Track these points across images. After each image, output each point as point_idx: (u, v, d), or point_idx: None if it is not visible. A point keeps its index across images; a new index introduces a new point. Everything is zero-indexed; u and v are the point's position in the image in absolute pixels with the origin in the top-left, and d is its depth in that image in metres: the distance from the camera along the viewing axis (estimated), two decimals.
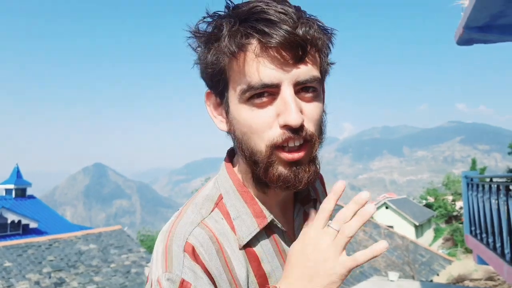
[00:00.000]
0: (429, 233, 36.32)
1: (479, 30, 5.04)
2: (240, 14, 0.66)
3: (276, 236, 0.75)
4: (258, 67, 0.64)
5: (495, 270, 4.14)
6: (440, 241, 33.74)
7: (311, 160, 0.69)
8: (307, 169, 0.68)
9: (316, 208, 0.78)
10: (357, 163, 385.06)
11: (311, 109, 0.68)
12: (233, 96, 0.68)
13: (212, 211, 0.73)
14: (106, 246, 10.14)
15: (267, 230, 0.74)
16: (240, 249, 0.71)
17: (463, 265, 17.98)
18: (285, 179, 0.67)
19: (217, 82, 0.70)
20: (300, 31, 0.64)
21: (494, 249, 3.98)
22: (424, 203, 41.55)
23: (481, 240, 4.55)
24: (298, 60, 0.65)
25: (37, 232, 18.11)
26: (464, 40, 5.39)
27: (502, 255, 3.70)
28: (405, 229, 30.19)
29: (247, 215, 0.73)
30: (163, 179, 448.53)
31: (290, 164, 0.67)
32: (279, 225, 0.75)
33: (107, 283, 8.59)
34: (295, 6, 0.68)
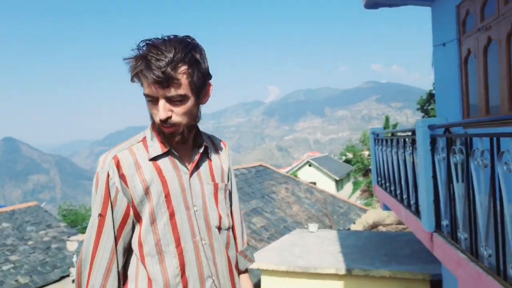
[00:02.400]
0: (348, 186, 39.01)
1: None
2: (141, 56, 1.21)
3: (174, 158, 1.36)
4: (147, 87, 1.24)
5: (396, 215, 4.62)
6: (358, 193, 36.46)
7: (179, 132, 1.29)
8: (176, 137, 1.30)
9: (206, 151, 1.45)
10: (283, 124, 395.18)
11: (178, 109, 1.26)
12: (144, 95, 1.27)
13: (137, 143, 1.36)
14: (21, 224, 9.50)
15: (169, 156, 1.35)
16: (149, 160, 1.32)
17: (377, 213, 19.63)
18: (165, 139, 1.33)
19: (140, 84, 1.27)
20: (165, 73, 1.18)
21: (395, 196, 4.42)
22: (343, 159, 44.28)
23: (386, 189, 5.02)
24: (164, 87, 1.21)
25: None
26: (371, 4, 5.68)
27: (401, 201, 4.12)
28: (327, 184, 32.14)
29: (157, 144, 1.35)
30: (83, 151, 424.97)
31: (167, 133, 1.30)
32: (175, 152, 1.35)
33: (25, 261, 8.15)
34: (177, 47, 1.20)
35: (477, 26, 4.10)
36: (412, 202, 3.62)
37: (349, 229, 11.40)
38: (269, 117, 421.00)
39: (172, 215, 1.32)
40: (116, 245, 1.29)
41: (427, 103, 31.39)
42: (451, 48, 4.73)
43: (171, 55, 1.18)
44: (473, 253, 2.22)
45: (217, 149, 1.53)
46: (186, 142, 1.34)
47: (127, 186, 1.28)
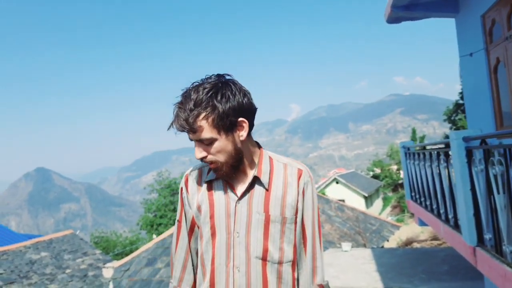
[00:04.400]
0: (378, 203, 38.19)
1: (405, 8, 5.36)
2: (174, 110, 1.36)
3: (226, 184, 1.45)
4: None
5: (434, 230, 4.51)
6: (388, 209, 35.64)
7: (219, 168, 1.40)
8: (218, 172, 1.41)
9: (256, 183, 1.46)
10: (306, 142, 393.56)
11: (211, 150, 1.37)
12: None
13: (207, 165, 1.50)
14: (59, 252, 9.73)
15: (224, 181, 1.46)
16: (204, 182, 1.49)
17: (411, 229, 19.16)
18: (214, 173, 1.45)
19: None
20: (184, 125, 1.32)
21: (431, 210, 4.33)
22: (371, 175, 43.50)
23: (420, 203, 4.93)
24: (192, 132, 1.34)
25: None
26: (393, 19, 5.70)
27: (438, 215, 4.03)
28: (355, 201, 31.56)
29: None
30: (112, 178, 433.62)
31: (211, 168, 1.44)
32: (225, 179, 1.46)
33: None
34: (195, 99, 1.33)
35: (505, 35, 4.06)
36: (450, 216, 3.54)
37: (382, 246, 11.14)
38: (292, 135, 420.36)
39: (213, 236, 1.42)
40: (189, 245, 1.53)
41: (454, 114, 30.75)
42: (479, 58, 4.68)
43: (191, 105, 1.31)
44: None
45: (286, 178, 1.47)
46: (230, 175, 1.42)
47: (189, 200, 1.51)
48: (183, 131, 1.34)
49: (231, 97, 1.35)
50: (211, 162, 1.38)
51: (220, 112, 1.33)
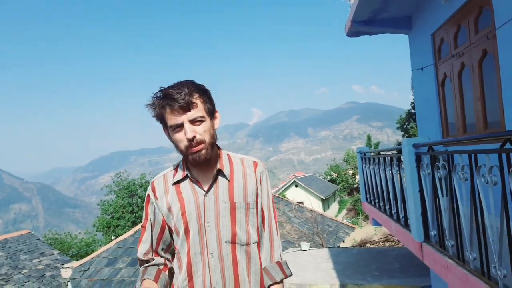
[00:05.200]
0: (334, 205, 39.24)
1: (364, 23, 5.74)
2: (162, 95, 1.53)
3: (192, 182, 1.63)
4: (172, 117, 1.53)
5: (387, 229, 4.87)
6: (344, 211, 36.72)
7: (205, 149, 1.55)
8: (203, 155, 1.55)
9: (223, 173, 1.65)
10: (267, 146, 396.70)
11: (200, 129, 1.54)
12: (169, 128, 1.56)
13: (170, 171, 1.71)
14: (14, 252, 9.40)
15: (188, 180, 1.64)
16: (172, 184, 1.65)
17: (365, 230, 19.91)
18: (194, 158, 1.56)
19: (161, 123, 1.60)
20: (186, 99, 1.49)
21: (384, 211, 4.65)
22: (328, 179, 44.63)
23: (375, 205, 5.27)
24: (186, 111, 1.51)
25: None
26: (353, 32, 6.08)
27: (391, 215, 4.35)
28: (313, 203, 32.29)
29: (181, 171, 1.66)
30: (66, 179, 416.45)
31: (195, 152, 1.55)
32: (193, 177, 1.63)
33: None
34: (188, 85, 1.54)
35: (451, 53, 4.49)
36: (401, 216, 3.88)
37: (339, 246, 11.60)
38: (253, 139, 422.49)
39: (186, 230, 1.58)
40: (152, 248, 1.69)
41: (406, 122, 32.26)
42: (429, 72, 5.12)
43: (186, 88, 1.51)
44: (460, 258, 2.47)
45: (244, 170, 1.69)
46: (209, 160, 1.59)
47: (158, 205, 1.65)
48: (181, 107, 1.49)
49: (208, 90, 1.62)
50: (198, 143, 1.52)
51: (208, 96, 1.59)
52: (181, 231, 1.59)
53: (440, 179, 2.66)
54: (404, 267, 6.33)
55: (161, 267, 1.69)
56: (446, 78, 4.72)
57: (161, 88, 1.55)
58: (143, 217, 1.72)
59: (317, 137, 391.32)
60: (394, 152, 4.05)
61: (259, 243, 1.69)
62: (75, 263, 8.45)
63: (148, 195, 1.70)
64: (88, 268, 8.10)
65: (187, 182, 1.64)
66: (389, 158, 4.19)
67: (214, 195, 1.61)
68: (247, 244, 1.62)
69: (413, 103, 28.45)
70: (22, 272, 8.72)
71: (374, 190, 5.15)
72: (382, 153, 4.99)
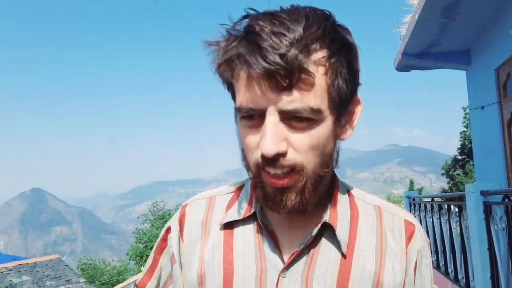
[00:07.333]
0: None
1: (416, 57, 5.36)
2: (243, 34, 0.60)
3: (261, 233, 0.71)
4: (246, 90, 0.60)
5: None
6: None
7: (300, 189, 0.62)
8: (293, 198, 0.63)
9: (324, 238, 0.70)
10: None
11: (301, 139, 0.60)
12: (237, 111, 0.64)
13: (227, 193, 0.79)
14: (41, 278, 9.29)
15: (255, 224, 0.72)
16: (220, 225, 0.73)
17: None
18: (268, 201, 0.65)
19: (228, 90, 0.68)
20: (290, 55, 0.55)
21: (438, 267, 4.10)
22: None
23: None
24: (280, 90, 0.57)
25: None
26: (403, 66, 5.69)
27: (446, 274, 3.81)
28: None
29: (245, 200, 0.74)
30: (106, 205, 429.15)
31: (275, 189, 0.63)
32: (267, 222, 0.71)
33: None
34: (308, 16, 0.59)
35: None
36: (460, 276, 3.31)
37: None
38: None
39: None
40: None
41: (452, 168, 30.79)
42: (491, 112, 4.60)
43: (300, 28, 0.58)
44: None
45: (382, 236, 0.73)
46: (306, 210, 0.66)
47: (181, 257, 0.75)
48: (271, 75, 0.56)
49: (355, 46, 0.65)
50: (291, 169, 0.61)
51: (353, 63, 0.64)
52: None
53: None
54: None
55: None
56: None
57: (248, 11, 0.63)
58: (146, 267, 0.84)
59: (356, 179, 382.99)
60: (453, 198, 3.54)
61: None
62: None
63: (169, 229, 0.80)
64: None
65: (251, 228, 0.72)
66: (446, 206, 3.67)
67: (302, 279, 0.67)
68: None
69: (459, 148, 27.20)
70: None
71: None
72: (435, 199, 4.45)
